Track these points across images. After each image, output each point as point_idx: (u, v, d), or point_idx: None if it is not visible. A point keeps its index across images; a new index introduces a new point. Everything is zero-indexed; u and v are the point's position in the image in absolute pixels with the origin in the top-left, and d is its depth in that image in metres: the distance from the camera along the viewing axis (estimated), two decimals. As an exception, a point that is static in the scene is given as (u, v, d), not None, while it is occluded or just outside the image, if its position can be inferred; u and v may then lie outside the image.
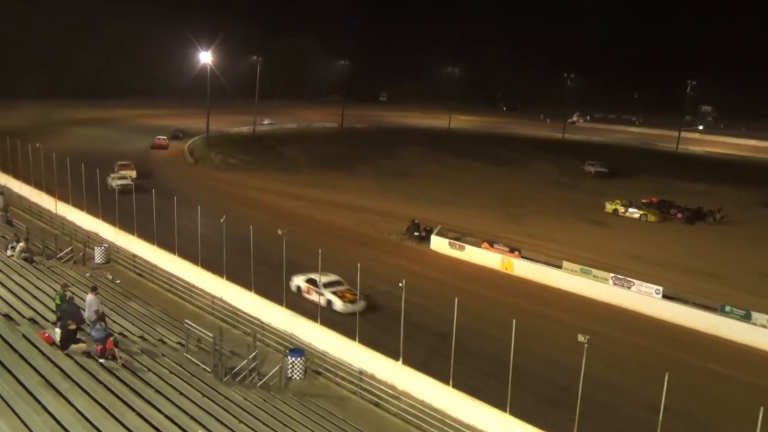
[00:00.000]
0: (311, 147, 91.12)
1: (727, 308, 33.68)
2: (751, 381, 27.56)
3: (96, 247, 38.98)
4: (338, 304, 32.32)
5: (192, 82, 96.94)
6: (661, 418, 18.76)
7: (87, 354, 19.98)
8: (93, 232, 43.20)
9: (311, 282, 33.66)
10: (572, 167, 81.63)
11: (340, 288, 33.10)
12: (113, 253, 39.53)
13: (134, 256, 39.01)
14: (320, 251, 29.22)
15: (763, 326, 32.29)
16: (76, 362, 19.27)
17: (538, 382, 25.68)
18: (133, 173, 59.16)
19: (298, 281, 34.67)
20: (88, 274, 34.54)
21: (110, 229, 42.27)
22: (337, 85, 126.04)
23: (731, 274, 42.11)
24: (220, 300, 33.36)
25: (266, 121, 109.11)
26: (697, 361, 29.54)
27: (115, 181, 53.06)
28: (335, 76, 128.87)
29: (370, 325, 27.55)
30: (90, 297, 23.13)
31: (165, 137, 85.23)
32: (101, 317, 21.55)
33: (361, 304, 31.30)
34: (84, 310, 22.58)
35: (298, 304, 31.58)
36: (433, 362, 26.06)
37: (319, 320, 28.49)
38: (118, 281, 34.95)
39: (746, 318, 32.97)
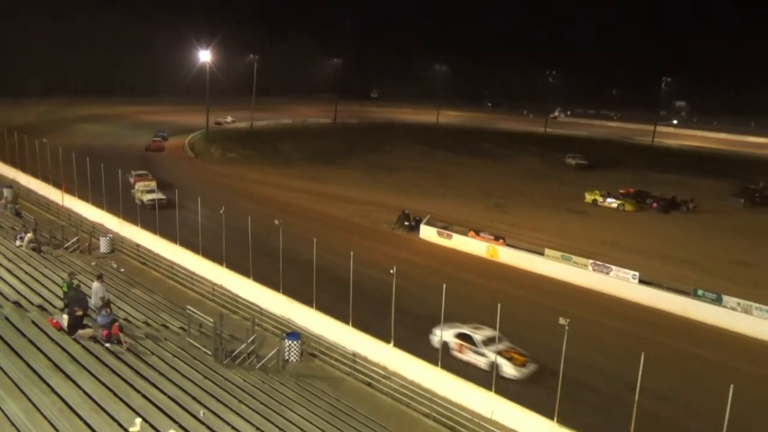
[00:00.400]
0: (306, 142, 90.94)
1: (700, 292, 33.86)
2: (722, 360, 27.75)
3: (101, 237, 38.84)
4: (508, 369, 25.15)
5: (192, 80, 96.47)
6: (637, 395, 18.87)
7: (93, 339, 19.92)
8: (98, 223, 43.01)
9: (464, 338, 26.94)
10: (554, 160, 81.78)
11: (502, 346, 25.40)
12: (118, 242, 39.39)
13: (138, 245, 38.89)
14: (315, 240, 29.18)
15: (733, 309, 32.51)
16: (83, 347, 19.22)
17: (522, 363, 25.81)
18: (153, 183, 51.43)
19: (446, 336, 26.88)
20: (93, 263, 34.44)
21: (114, 220, 42.11)
22: (331, 82, 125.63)
23: (703, 260, 42.30)
24: (220, 287, 33.30)
25: (228, 119, 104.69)
26: (671, 342, 29.68)
27: (144, 196, 47.62)
28: (329, 74, 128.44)
29: (362, 310, 27.52)
30: (96, 285, 23.06)
31: (160, 138, 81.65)
32: (107, 304, 21.45)
33: (531, 367, 25.54)
34: (90, 297, 22.52)
35: (446, 362, 25.29)
36: (422, 344, 26.16)
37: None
38: (123, 270, 34.86)
39: (717, 301, 33.16)
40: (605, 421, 21.32)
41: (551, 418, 21.07)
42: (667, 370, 25.24)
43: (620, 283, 36.22)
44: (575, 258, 38.76)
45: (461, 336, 26.85)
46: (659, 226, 52.47)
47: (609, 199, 58.48)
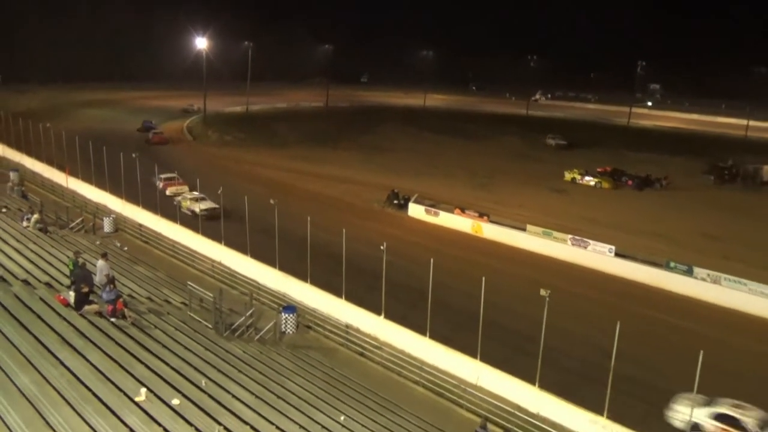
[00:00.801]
0: (300, 125, 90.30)
1: (672, 264, 34.15)
2: (693, 328, 28.09)
3: (105, 218, 38.63)
4: None
5: (190, 66, 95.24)
6: (613, 361, 19.10)
7: (99, 314, 19.94)
8: (102, 204, 42.76)
9: (728, 422, 19.86)
10: (535, 140, 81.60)
11: None
12: (121, 222, 39.19)
13: (140, 225, 38.72)
14: (309, 218, 29.14)
15: (703, 280, 32.84)
16: (90, 321, 19.23)
17: (505, 332, 25.97)
18: (185, 188, 45.66)
19: (698, 416, 19.86)
20: (98, 242, 34.29)
21: (117, 201, 41.84)
22: (322, 68, 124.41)
23: (676, 234, 42.57)
24: (219, 264, 33.27)
25: (195, 106, 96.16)
26: (645, 311, 29.98)
27: (193, 205, 40.63)
28: (320, 60, 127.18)
29: (354, 284, 27.59)
30: (101, 262, 22.99)
31: (148, 127, 75.47)
32: (111, 281, 21.42)
33: None
34: (95, 275, 22.48)
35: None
36: (411, 316, 26.25)
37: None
38: (126, 248, 34.74)
39: (688, 273, 33.48)
40: (583, 385, 21.57)
41: (533, 383, 21.34)
42: (641, 337, 25.49)
43: (597, 257, 36.46)
44: (555, 233, 38.94)
45: (723, 419, 19.90)
46: (634, 203, 52.69)
47: (587, 178, 58.62)
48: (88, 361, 16.34)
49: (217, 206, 37.26)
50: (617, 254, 36.01)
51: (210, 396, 16.44)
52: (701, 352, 17.19)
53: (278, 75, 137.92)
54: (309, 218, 29.16)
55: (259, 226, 32.24)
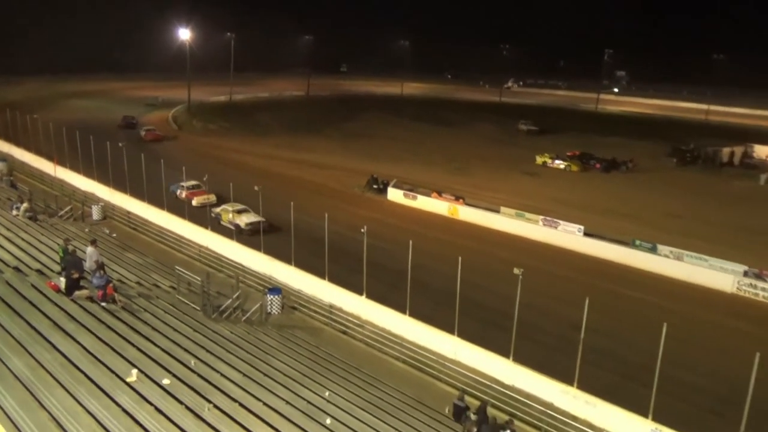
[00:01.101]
0: (282, 113, 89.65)
1: (637, 242, 34.60)
2: (657, 301, 28.51)
3: (93, 206, 38.15)
4: None
5: (175, 57, 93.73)
6: (582, 334, 19.38)
7: (90, 299, 19.73)
8: (90, 193, 42.16)
9: None
10: (508, 126, 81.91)
11: None
12: (109, 210, 38.72)
13: (128, 212, 38.30)
14: (292, 203, 29.02)
15: (667, 256, 33.33)
16: (81, 306, 19.03)
17: (481, 309, 26.17)
18: (212, 197, 40.14)
19: None
20: (87, 230, 33.84)
21: (105, 190, 41.28)
22: (303, 58, 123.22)
23: (641, 214, 43.08)
24: (206, 249, 33.04)
25: (160, 99, 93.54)
26: (612, 287, 30.38)
27: (236, 218, 35.64)
28: (301, 51, 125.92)
29: (337, 266, 27.59)
30: (90, 249, 22.71)
31: (154, 127, 68.18)
32: (101, 266, 21.20)
33: None
34: (85, 261, 22.21)
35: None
36: (392, 295, 26.33)
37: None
38: (115, 235, 34.36)
39: (653, 250, 33.95)
40: (555, 358, 21.85)
41: (508, 356, 21.58)
42: (608, 311, 25.84)
43: (567, 236, 36.79)
44: (528, 214, 39.21)
45: None
46: (601, 185, 53.20)
47: (557, 161, 59.03)
48: (80, 344, 16.20)
49: (262, 219, 33.27)
50: (586, 234, 36.37)
51: (199, 375, 16.40)
52: (665, 324, 17.51)
53: (261, 65, 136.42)
54: (292, 203, 29.06)
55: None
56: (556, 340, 23.41)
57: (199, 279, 24.81)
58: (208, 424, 13.78)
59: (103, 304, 19.61)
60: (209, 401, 14.84)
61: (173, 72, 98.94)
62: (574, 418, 19.27)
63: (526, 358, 21.54)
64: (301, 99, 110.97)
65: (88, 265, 21.91)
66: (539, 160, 59.85)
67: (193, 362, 17.10)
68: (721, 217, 43.24)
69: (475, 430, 16.80)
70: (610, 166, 58.33)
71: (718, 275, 31.21)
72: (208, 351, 18.73)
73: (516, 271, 20.82)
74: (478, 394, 20.53)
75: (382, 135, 74.74)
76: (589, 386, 19.83)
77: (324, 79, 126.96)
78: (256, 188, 30.28)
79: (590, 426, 18.95)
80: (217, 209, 37.04)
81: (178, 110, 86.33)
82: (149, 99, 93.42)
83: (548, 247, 36.43)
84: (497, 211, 40.41)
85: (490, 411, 18.37)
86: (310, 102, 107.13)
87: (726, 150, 63.38)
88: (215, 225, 34.72)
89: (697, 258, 32.43)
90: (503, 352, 21.77)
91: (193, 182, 41.01)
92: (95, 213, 37.47)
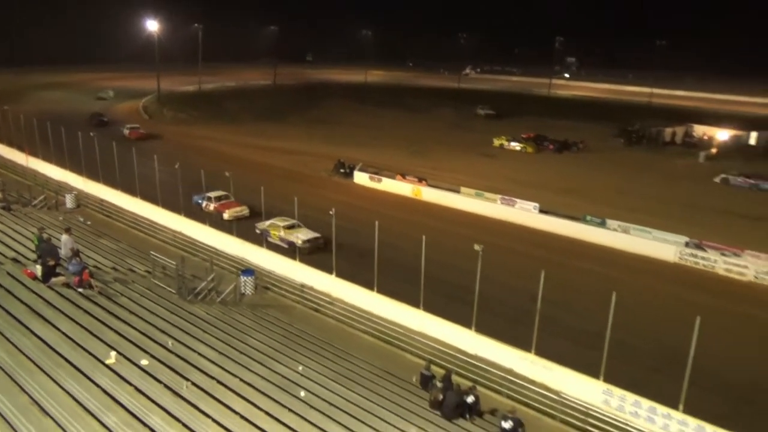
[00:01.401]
0: (250, 102, 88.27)
1: (588, 218, 35.29)
2: (606, 272, 29.16)
3: (66, 195, 37.16)
4: None
5: (143, 48, 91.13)
6: (539, 305, 19.76)
7: (66, 285, 19.32)
8: (63, 182, 41.05)
9: None
10: (466, 111, 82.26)
11: None
12: (83, 199, 37.79)
13: (102, 200, 37.48)
14: (262, 188, 28.77)
15: (615, 230, 34.11)
16: (58, 293, 18.64)
17: (445, 284, 26.33)
18: (245, 209, 34.79)
19: None
20: (61, 218, 32.98)
21: (78, 179, 40.26)
22: (269, 48, 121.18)
23: (591, 191, 43.90)
24: (180, 234, 32.58)
25: (111, 93, 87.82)
26: (565, 260, 30.86)
27: (289, 235, 30.74)
28: (268, 40, 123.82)
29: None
30: (65, 237, 22.21)
31: (137, 125, 62.00)
32: (76, 253, 20.74)
33: None
34: (60, 249, 21.70)
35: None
36: (360, 273, 26.35)
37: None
38: (89, 222, 33.57)
39: (602, 225, 34.69)
40: (514, 327, 22.21)
41: (470, 327, 21.91)
42: (563, 283, 26.11)
43: (524, 214, 37.32)
44: (486, 194, 39.62)
45: None
46: (555, 165, 53.95)
47: (513, 143, 59.62)
48: (58, 329, 15.89)
49: (318, 235, 30.28)
50: (541, 211, 36.96)
51: (177, 355, 16.27)
52: (614, 293, 17.97)
53: (228, 55, 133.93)
54: (263, 188, 28.80)
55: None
56: (515, 311, 23.72)
57: (173, 263, 24.46)
58: (187, 401, 13.72)
59: (80, 289, 19.23)
60: (187, 379, 14.76)
61: (143, 63, 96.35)
62: (532, 382, 19.71)
63: (487, 328, 21.88)
64: (268, 88, 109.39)
65: (64, 252, 21.43)
66: (496, 142, 60.35)
67: (170, 343, 16.94)
68: (665, 193, 44.35)
69: (440, 396, 17.05)
70: (562, 147, 59.19)
71: (662, 246, 32.09)
72: (184, 332, 18.58)
73: (476, 247, 21.06)
74: (444, 363, 20.80)
75: (347, 121, 74.33)
76: (545, 352, 20.26)
77: (290, 68, 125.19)
78: (226, 174, 29.91)
79: (547, 388, 19.41)
80: (264, 225, 31.77)
81: (148, 100, 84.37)
82: (100, 92, 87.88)
83: (506, 224, 36.90)
84: (458, 192, 40.72)
85: (455, 378, 18.66)
86: (276, 90, 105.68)
87: (668, 130, 64.85)
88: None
89: (643, 231, 33.26)
90: (466, 323, 22.08)
91: (220, 192, 35.75)
92: (69, 202, 36.52)
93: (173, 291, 23.38)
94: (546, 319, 20.03)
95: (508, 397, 18.99)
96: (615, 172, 50.63)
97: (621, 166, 53.21)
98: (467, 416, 17.04)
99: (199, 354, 16.79)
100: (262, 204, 28.35)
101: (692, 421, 17.21)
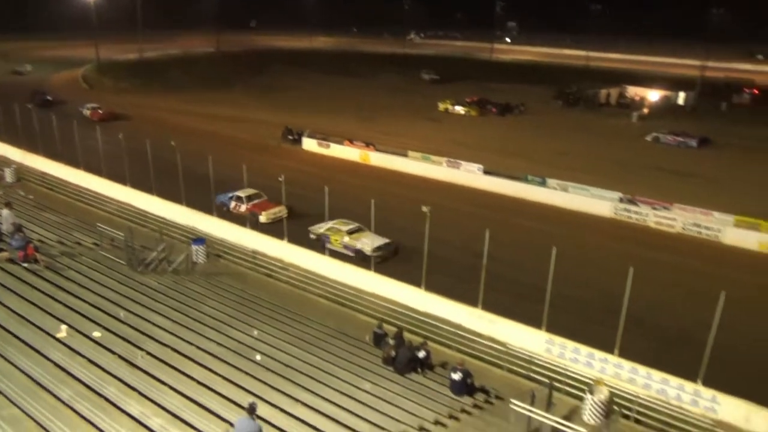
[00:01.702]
0: (194, 69, 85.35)
1: (529, 178, 36.06)
2: (546, 229, 29.91)
3: (5, 169, 35.34)
4: None
5: (83, 15, 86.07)
6: (484, 262, 20.21)
7: (11, 261, 18.54)
8: (1, 156, 38.96)
9: None
10: (411, 76, 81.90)
11: None
12: (23, 172, 36.03)
13: (43, 173, 35.84)
14: (210, 157, 28.04)
15: (555, 189, 35.02)
16: (2, 269, 17.87)
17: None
18: (284, 210, 29.31)
19: None
20: (0, 192, 31.39)
21: (17, 152, 38.30)
22: (213, 14, 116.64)
23: (532, 153, 44.72)
24: (127, 204, 31.63)
25: (28, 67, 79.91)
26: (509, 218, 31.60)
27: (354, 241, 26.48)
28: (210, 6, 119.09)
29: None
30: (5, 212, 21.14)
31: (98, 105, 54.72)
32: (18, 228, 19.84)
33: None
34: (2, 224, 20.70)
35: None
36: (309, 238, 26.36)
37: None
38: (31, 196, 32.09)
39: (543, 184, 35.53)
40: (462, 284, 22.65)
41: (419, 286, 22.26)
42: (506, 240, 26.63)
43: (469, 175, 37.80)
44: (433, 157, 39.88)
45: None
46: (498, 127, 54.60)
47: (457, 107, 59.90)
48: (5, 306, 15.30)
49: (389, 240, 26.35)
50: (485, 172, 37.50)
51: (130, 326, 15.95)
52: (554, 248, 18.53)
53: (170, 22, 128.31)
54: (210, 157, 28.08)
55: (162, 167, 30.61)
56: (462, 269, 23.99)
57: (122, 234, 23.76)
58: (143, 371, 13.53)
59: (25, 264, 18.49)
60: (142, 349, 14.53)
61: (79, 30, 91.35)
62: (480, 335, 20.26)
63: (437, 286, 22.27)
64: (212, 55, 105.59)
65: (5, 227, 20.45)
66: (441, 106, 60.49)
67: (122, 314, 16.58)
68: (601, 152, 45.65)
69: (393, 353, 17.35)
70: (504, 110, 59.83)
71: (599, 203, 33.20)
72: (137, 302, 18.18)
73: (424, 209, 21.26)
74: (396, 321, 21.09)
75: (293, 88, 72.92)
76: (491, 307, 20.82)
77: (234, 34, 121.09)
78: (172, 143, 28.99)
79: (494, 341, 20.01)
80: (320, 229, 27.20)
81: (88, 69, 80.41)
82: (18, 66, 79.65)
83: (452, 186, 37.30)
84: (405, 156, 40.82)
85: (407, 336, 18.99)
86: (221, 58, 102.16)
87: (603, 92, 66.35)
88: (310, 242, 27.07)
89: (581, 188, 34.27)
90: (416, 282, 22.41)
91: (251, 190, 30.59)
92: (8, 176, 34.78)
93: (123, 263, 22.74)
94: (492, 275, 20.49)
95: (458, 350, 19.47)
96: (554, 134, 51.63)
97: (559, 127, 54.28)
98: (419, 370, 17.44)
99: (153, 324, 16.50)
100: (211, 173, 27.62)
101: (627, 364, 18.16)
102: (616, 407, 16.29)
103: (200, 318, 18.21)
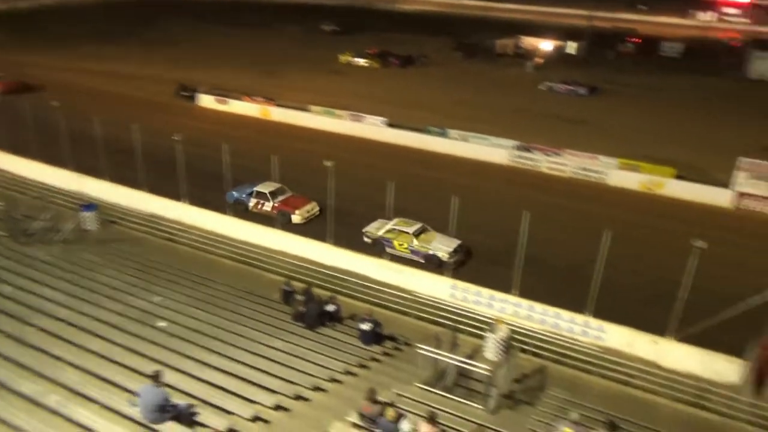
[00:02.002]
0: (76, 22, 78.64)
1: (431, 129, 36.63)
2: (447, 177, 30.48)
3: None
4: None
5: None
6: (389, 214, 20.52)
7: None
8: None
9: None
10: (312, 28, 79.71)
11: None
12: None
13: None
14: (95, 118, 26.22)
15: (455, 139, 35.84)
16: None
17: (299, 202, 26.40)
18: (316, 207, 25.98)
19: None
20: None
21: None
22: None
23: (434, 104, 45.19)
24: (4, 171, 29.10)
25: None
26: (412, 169, 31.93)
27: (425, 245, 22.49)
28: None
29: (152, 175, 25.86)
30: None
31: (3, 74, 44.37)
32: None
33: None
34: None
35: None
36: (213, 198, 25.56)
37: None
38: None
39: (443, 135, 36.24)
40: (360, 234, 22.92)
41: (326, 241, 22.34)
42: (409, 190, 26.88)
43: (372, 128, 37.83)
44: (336, 111, 39.45)
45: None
46: (400, 80, 54.55)
47: (359, 60, 59.23)
48: None
49: (460, 242, 22.57)
50: (389, 125, 37.65)
51: (17, 302, 14.95)
52: (454, 197, 19.10)
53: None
54: (97, 118, 26.25)
55: (44, 129, 28.33)
56: (367, 221, 24.26)
57: (1, 204, 21.94)
58: (36, 348, 12.79)
59: None
60: (32, 325, 13.70)
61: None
62: (387, 285, 20.77)
63: (343, 240, 22.43)
64: (95, 5, 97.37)
65: None
66: (343, 59, 59.57)
67: (10, 289, 15.48)
68: (498, 102, 46.95)
69: (301, 308, 17.42)
70: (406, 62, 59.81)
71: (496, 151, 34.40)
72: (24, 276, 17.06)
73: (327, 163, 21.13)
74: (304, 278, 21.13)
75: (186, 41, 68.95)
76: (395, 257, 21.28)
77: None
78: (54, 104, 26.80)
79: (401, 289, 20.59)
80: (378, 230, 23.46)
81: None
82: None
83: (356, 140, 37.20)
84: (307, 110, 40.09)
85: (315, 291, 19.08)
86: (106, 8, 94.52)
87: (500, 42, 67.79)
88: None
89: (480, 138, 35.30)
90: (322, 238, 22.44)
91: (274, 184, 26.15)
92: None
93: (4, 234, 21.10)
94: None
95: (367, 302, 19.84)
96: (455, 85, 52.36)
97: (460, 78, 55.09)
98: (329, 324, 17.64)
99: (44, 298, 15.57)
100: (99, 134, 25.84)
101: (525, 302, 19.36)
102: (515, 343, 17.34)
103: (96, 288, 17.38)
